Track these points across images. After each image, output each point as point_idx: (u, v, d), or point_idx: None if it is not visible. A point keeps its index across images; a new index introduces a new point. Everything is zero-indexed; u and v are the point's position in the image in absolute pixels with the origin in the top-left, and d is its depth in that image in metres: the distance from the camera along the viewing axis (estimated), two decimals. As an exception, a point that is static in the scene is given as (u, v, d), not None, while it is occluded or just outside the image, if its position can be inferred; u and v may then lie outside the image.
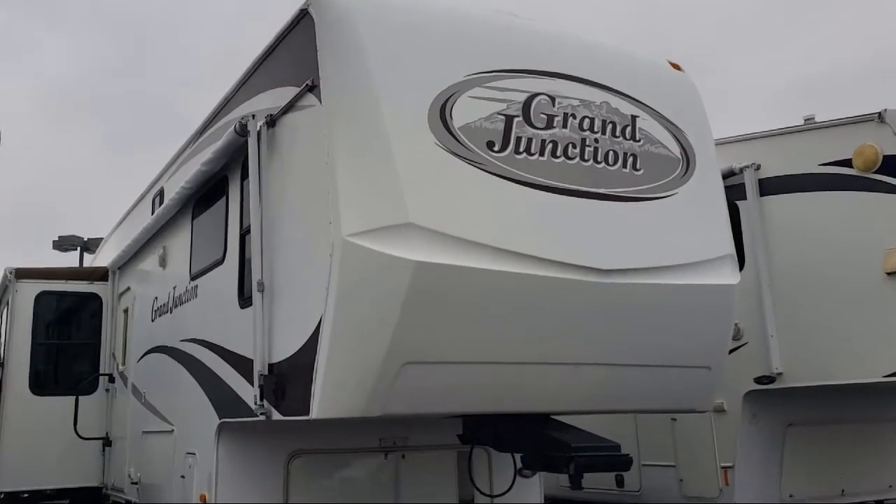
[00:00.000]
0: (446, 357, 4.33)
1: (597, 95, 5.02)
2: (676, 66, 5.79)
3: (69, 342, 10.18)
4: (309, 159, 4.68)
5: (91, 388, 9.66)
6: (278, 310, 4.89)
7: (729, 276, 5.17)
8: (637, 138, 5.08)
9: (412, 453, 6.23)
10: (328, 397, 4.28)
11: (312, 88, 4.63)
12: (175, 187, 6.92)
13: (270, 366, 4.91)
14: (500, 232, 4.38)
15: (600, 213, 4.73)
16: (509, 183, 4.50)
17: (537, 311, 4.46)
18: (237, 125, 5.28)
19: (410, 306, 4.15)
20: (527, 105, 4.73)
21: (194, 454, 6.26)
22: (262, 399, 4.88)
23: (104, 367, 9.80)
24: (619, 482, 8.75)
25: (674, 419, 8.14)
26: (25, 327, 9.59)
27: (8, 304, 9.76)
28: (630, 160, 4.98)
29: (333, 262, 4.20)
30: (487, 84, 4.66)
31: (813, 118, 7.31)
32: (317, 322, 4.35)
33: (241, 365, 5.37)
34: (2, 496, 9.26)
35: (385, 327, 4.15)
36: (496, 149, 4.53)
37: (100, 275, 10.18)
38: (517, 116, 4.66)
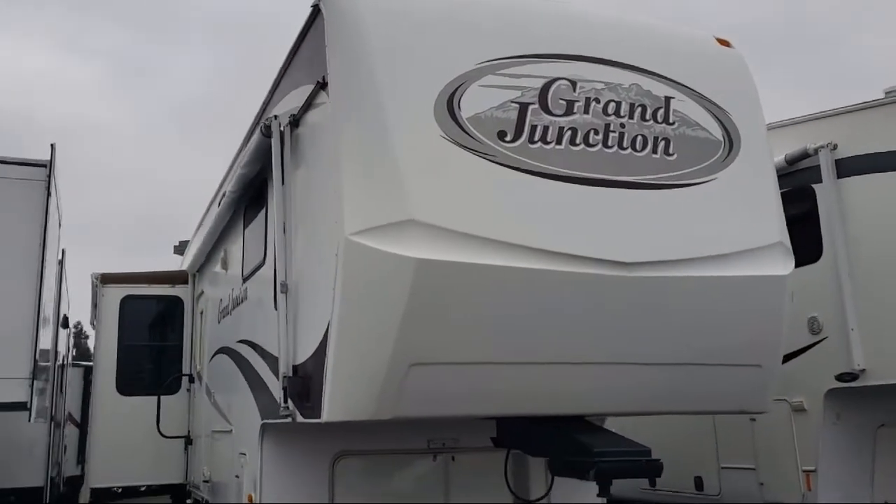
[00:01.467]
0: (457, 358, 4.16)
1: (625, 77, 4.72)
2: (725, 43, 5.38)
3: (153, 344, 10.54)
4: (322, 157, 4.60)
5: (174, 388, 9.97)
6: (301, 311, 4.83)
7: (779, 266, 4.75)
8: (671, 121, 4.74)
9: (462, 455, 6.05)
10: (337, 400, 4.19)
11: (324, 86, 4.55)
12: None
13: (294, 367, 4.86)
14: (510, 226, 4.16)
15: (625, 202, 4.43)
16: (522, 174, 4.27)
17: (552, 308, 4.21)
18: (262, 126, 5.26)
19: (414, 306, 3.99)
20: (544, 91, 4.48)
21: (245, 455, 6.32)
22: (286, 401, 4.84)
23: (186, 368, 10.10)
24: (699, 485, 8.31)
25: (752, 419, 7.64)
26: (112, 330, 9.98)
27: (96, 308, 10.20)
28: (662, 145, 4.65)
29: (338, 262, 4.10)
30: (501, 71, 4.45)
31: (895, 91, 6.69)
32: (327, 323, 4.26)
33: (275, 366, 5.35)
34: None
35: (389, 328, 4.01)
36: (508, 139, 4.31)
37: (182, 278, 10.49)
38: (532, 104, 4.43)
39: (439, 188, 4.12)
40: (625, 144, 4.54)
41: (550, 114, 4.45)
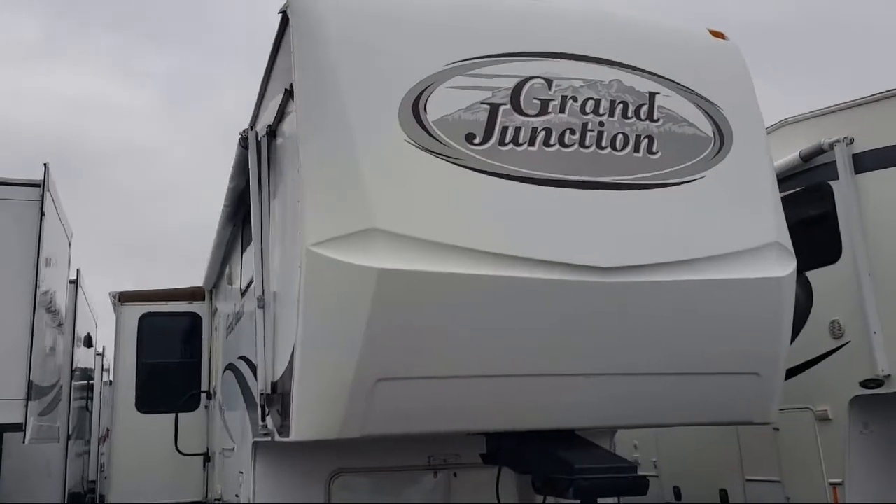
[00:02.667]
0: (426, 372, 3.97)
1: (605, 74, 4.50)
2: (718, 35, 5.13)
3: (172, 361, 10.52)
4: (292, 167, 4.47)
5: (193, 406, 9.93)
6: (278, 326, 4.70)
7: (775, 267, 4.46)
8: (655, 118, 4.50)
9: (464, 471, 5.85)
10: (304, 418, 4.03)
11: (292, 93, 4.42)
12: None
13: (273, 384, 4.72)
14: (478, 232, 3.97)
15: (603, 204, 4.20)
16: (491, 178, 4.07)
17: (525, 317, 4.00)
18: (240, 138, 5.16)
19: (378, 318, 3.82)
20: (517, 91, 4.29)
21: (242, 473, 6.20)
22: (263, 419, 4.70)
23: (204, 385, 10.06)
24: (724, 498, 7.96)
25: (776, 429, 7.28)
26: (130, 348, 9.99)
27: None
28: (644, 143, 4.41)
29: (301, 274, 3.95)
30: (471, 72, 4.26)
31: (913, 80, 6.33)
32: (294, 339, 4.11)
33: (262, 383, 5.22)
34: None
35: (353, 342, 3.84)
36: (476, 141, 4.12)
37: (200, 295, 10.47)
38: (504, 104, 4.23)
39: (403, 195, 3.94)
40: (603, 144, 4.32)
41: (523, 114, 4.25)
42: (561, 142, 4.24)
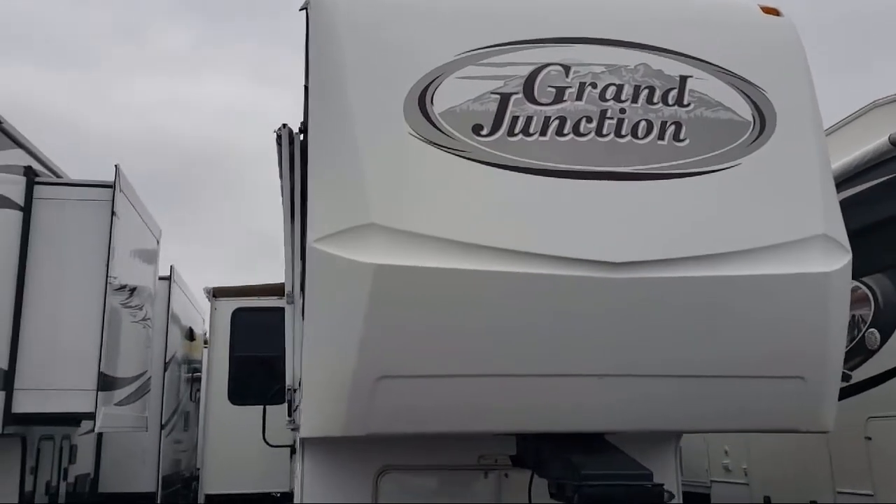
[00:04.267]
0: (429, 370, 3.86)
1: (631, 58, 4.23)
2: (772, 11, 4.73)
3: (263, 355, 10.82)
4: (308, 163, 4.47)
5: (281, 398, 10.17)
6: (305, 323, 4.73)
7: (820, 262, 4.07)
8: (685, 102, 4.20)
9: (516, 473, 5.70)
10: (311, 415, 4.03)
11: (308, 88, 4.43)
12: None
13: (299, 380, 4.75)
14: (480, 226, 3.82)
15: (618, 195, 3.95)
16: (496, 170, 3.91)
17: (531, 315, 3.82)
18: (276, 136, 5.23)
19: (376, 315, 3.75)
20: (531, 79, 4.10)
21: (297, 467, 6.28)
22: (290, 414, 4.73)
23: (289, 379, 10.27)
24: (815, 511, 7.40)
25: (868, 438, 6.70)
26: (224, 342, 10.35)
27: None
28: (671, 130, 4.12)
29: (307, 271, 3.95)
30: (483, 61, 4.12)
31: None
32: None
33: (298, 378, 5.28)
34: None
35: (353, 339, 3.79)
36: (484, 132, 3.97)
37: (290, 290, 10.69)
38: (516, 93, 4.06)
39: (404, 189, 3.85)
40: (623, 132, 4.07)
41: (536, 103, 4.06)
42: (575, 131, 4.03)
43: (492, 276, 3.77)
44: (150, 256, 8.61)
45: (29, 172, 6.60)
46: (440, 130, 3.95)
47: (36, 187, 6.60)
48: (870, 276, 6.80)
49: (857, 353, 6.90)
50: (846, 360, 7.01)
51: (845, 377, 7.05)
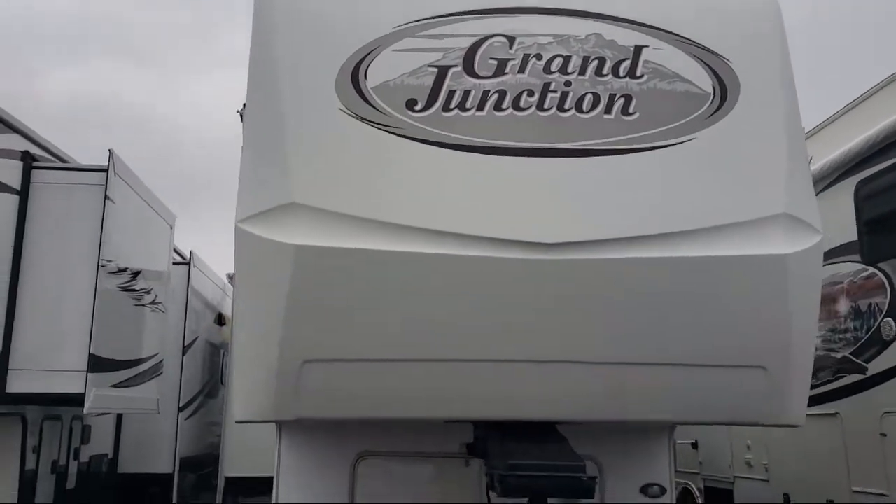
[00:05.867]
0: (355, 354, 3.73)
1: (582, 28, 4.01)
2: None
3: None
4: None
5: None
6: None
7: (780, 243, 3.78)
8: (638, 74, 3.95)
9: (498, 462, 5.55)
10: (241, 399, 3.95)
11: None
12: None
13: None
14: (409, 207, 3.66)
15: (557, 173, 3.74)
16: (429, 147, 3.75)
17: (461, 299, 3.65)
18: (239, 114, 5.17)
19: (298, 297, 3.64)
20: (472, 51, 3.92)
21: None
22: (244, 399, 4.66)
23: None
24: (831, 511, 7.02)
25: (883, 434, 6.31)
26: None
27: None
28: (619, 103, 3.88)
29: (234, 252, 3.86)
30: (422, 33, 3.95)
31: None
32: None
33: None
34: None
35: (276, 322, 3.69)
36: (418, 108, 3.81)
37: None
38: (454, 66, 3.88)
39: (330, 167, 3.72)
40: (566, 106, 3.85)
41: (475, 76, 3.88)
42: (515, 105, 3.83)
43: (418, 258, 3.61)
44: (161, 242, 8.69)
45: (26, 157, 6.71)
46: (372, 106, 3.80)
47: (33, 171, 6.71)
48: (886, 261, 6.39)
49: (873, 344, 6.50)
50: (861, 353, 6.66)
51: (860, 370, 6.66)
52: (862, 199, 6.71)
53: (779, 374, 3.89)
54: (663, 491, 5.59)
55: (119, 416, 9.55)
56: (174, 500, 9.81)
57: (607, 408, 3.93)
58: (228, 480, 10.49)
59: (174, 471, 9.80)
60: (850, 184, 6.81)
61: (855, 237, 6.75)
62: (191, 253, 10.67)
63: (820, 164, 7.09)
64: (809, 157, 7.43)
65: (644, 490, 5.56)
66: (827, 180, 7.09)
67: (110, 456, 9.40)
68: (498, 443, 3.97)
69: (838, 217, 6.87)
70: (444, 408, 3.85)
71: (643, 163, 3.80)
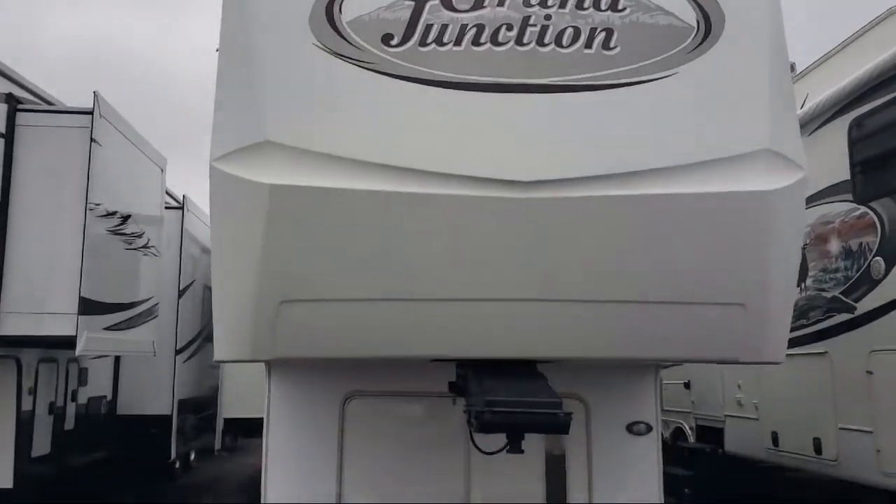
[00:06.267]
0: (331, 294, 3.72)
1: None
2: None
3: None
4: None
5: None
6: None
7: (761, 179, 3.73)
8: (620, 7, 3.85)
9: (485, 400, 5.59)
10: (220, 339, 3.96)
11: None
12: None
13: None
14: (384, 144, 3.61)
15: (535, 109, 3.67)
16: (405, 83, 3.67)
17: (437, 238, 3.63)
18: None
19: (274, 237, 3.61)
20: (450, -17, 3.82)
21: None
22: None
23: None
24: (818, 449, 7.12)
25: (870, 371, 6.35)
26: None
27: None
28: (600, 37, 3.79)
29: (209, 191, 3.83)
30: None
31: None
32: None
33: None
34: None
35: (252, 262, 3.67)
36: (393, 42, 3.72)
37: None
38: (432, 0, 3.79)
39: (304, 104, 3.66)
40: (546, 40, 3.76)
41: (453, 10, 3.78)
42: (493, 40, 3.75)
43: (392, 197, 3.58)
44: (152, 185, 8.65)
45: (10, 99, 6.64)
46: (347, 41, 3.72)
47: (18, 114, 6.65)
48: (877, 200, 6.35)
49: (862, 283, 6.50)
50: (850, 292, 6.67)
51: (849, 309, 6.67)
52: (855, 138, 6.64)
53: (758, 312, 3.88)
54: (649, 429, 5.64)
55: (117, 359, 9.65)
56: (173, 441, 9.98)
57: (586, 346, 3.94)
58: (227, 421, 10.67)
59: (172, 412, 9.94)
60: (843, 122, 6.73)
61: (847, 176, 6.70)
62: (184, 197, 10.65)
63: (813, 102, 7.00)
64: (804, 95, 7.35)
65: (630, 428, 5.63)
66: (821, 119, 7.00)
67: (109, 398, 9.53)
68: (476, 381, 4.00)
69: (831, 156, 6.81)
70: (422, 347, 3.86)
71: (623, 98, 3.73)
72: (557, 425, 3.71)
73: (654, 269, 3.77)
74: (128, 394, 9.78)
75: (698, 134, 3.76)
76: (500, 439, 4.15)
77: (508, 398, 3.72)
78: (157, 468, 10.58)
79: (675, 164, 3.70)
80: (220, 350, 3.96)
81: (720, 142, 3.76)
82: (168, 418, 9.91)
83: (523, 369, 4.11)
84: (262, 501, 5.41)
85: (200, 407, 10.99)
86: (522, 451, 3.83)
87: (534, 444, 5.47)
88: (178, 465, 11.38)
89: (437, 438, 5.58)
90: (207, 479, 12.11)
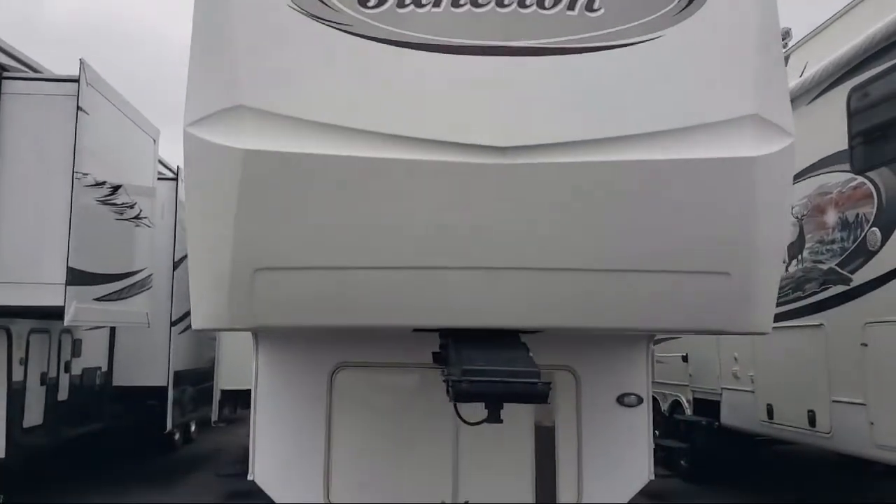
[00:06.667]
0: (307, 262, 3.66)
1: None
2: None
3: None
4: None
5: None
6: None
7: (747, 145, 3.64)
8: (605, -33, 3.75)
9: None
10: (198, 307, 3.91)
11: None
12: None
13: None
14: (361, 109, 3.53)
15: (516, 73, 3.57)
16: (382, 45, 3.58)
17: (414, 204, 3.55)
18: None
19: (247, 203, 3.55)
20: (429, -56, 3.71)
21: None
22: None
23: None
24: (811, 421, 7.08)
25: (864, 344, 6.28)
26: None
27: None
28: (583, -1, 3.69)
29: (183, 157, 3.75)
30: None
31: None
32: None
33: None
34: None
35: (226, 229, 3.61)
36: (371, 4, 3.62)
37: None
38: (410, -41, 3.69)
39: (279, 68, 3.57)
40: (528, 2, 3.65)
41: None
42: (473, 2, 3.64)
43: (369, 163, 3.50)
44: (144, 156, 8.57)
45: (-4, 67, 6.56)
46: (322, 2, 3.62)
47: (4, 82, 6.57)
48: (875, 170, 6.24)
49: (858, 254, 6.42)
50: (846, 264, 6.58)
51: (845, 280, 6.59)
52: (854, 108, 6.51)
53: (744, 281, 3.81)
54: (640, 401, 5.60)
55: (112, 330, 9.63)
56: (169, 412, 9.99)
57: (569, 316, 3.87)
58: (225, 393, 10.68)
59: (168, 383, 9.94)
60: (842, 91, 6.60)
61: (845, 146, 6.59)
62: (178, 168, 10.56)
63: (812, 71, 6.87)
64: (804, 64, 7.21)
65: (621, 400, 5.59)
66: (819, 88, 6.88)
67: (104, 369, 9.52)
68: (455, 350, 3.94)
69: (829, 126, 6.70)
70: (401, 317, 3.80)
71: (607, 62, 3.63)
72: (535, 395, 3.65)
73: (637, 237, 3.69)
74: (123, 365, 9.78)
75: (684, 99, 3.67)
76: (484, 410, 4.10)
77: (485, 367, 3.66)
78: (155, 439, 10.62)
79: (659, 130, 3.61)
80: (198, 317, 3.91)
81: (706, 107, 3.67)
82: (164, 389, 9.91)
83: (505, 340, 4.05)
84: (251, 472, 5.40)
85: (197, 378, 10.99)
86: (501, 421, 3.78)
87: (523, 414, 5.47)
88: (177, 436, 11.43)
89: (425, 409, 5.55)
90: (209, 449, 12.17)
